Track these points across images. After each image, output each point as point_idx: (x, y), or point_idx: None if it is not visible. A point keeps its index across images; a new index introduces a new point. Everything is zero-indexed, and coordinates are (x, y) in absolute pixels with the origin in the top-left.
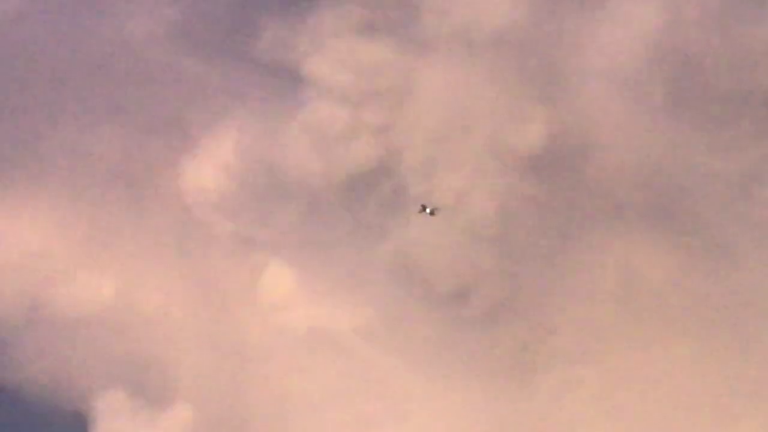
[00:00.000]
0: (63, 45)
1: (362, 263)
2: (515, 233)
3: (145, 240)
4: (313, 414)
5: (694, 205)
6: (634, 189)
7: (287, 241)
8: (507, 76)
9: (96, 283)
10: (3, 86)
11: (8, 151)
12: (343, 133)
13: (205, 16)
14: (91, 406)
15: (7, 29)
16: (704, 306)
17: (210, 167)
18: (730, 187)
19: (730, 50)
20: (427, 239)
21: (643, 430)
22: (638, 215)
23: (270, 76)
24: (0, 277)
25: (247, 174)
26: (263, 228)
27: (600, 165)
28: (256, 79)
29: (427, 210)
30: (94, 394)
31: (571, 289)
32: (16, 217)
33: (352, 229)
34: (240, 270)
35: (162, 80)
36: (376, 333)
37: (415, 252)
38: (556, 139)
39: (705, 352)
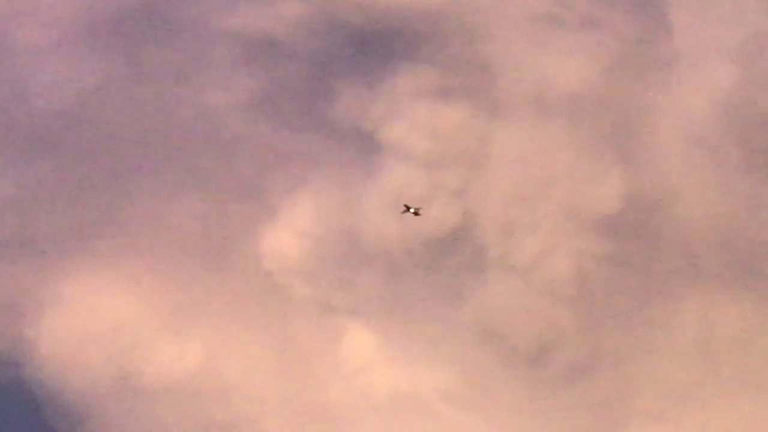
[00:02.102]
0: (144, 115)
1: (442, 325)
2: (594, 292)
3: (228, 307)
4: None
5: None
6: (711, 246)
7: (367, 305)
8: (582, 137)
9: (180, 351)
10: (86, 157)
11: (93, 221)
12: (420, 197)
13: (282, 84)
14: None
15: (89, 100)
16: None
17: (290, 233)
18: None
19: None
20: (506, 300)
21: None
22: (716, 272)
23: (347, 142)
24: (88, 347)
25: (326, 239)
26: (343, 292)
27: (676, 223)
28: (333, 145)
29: (411, 210)
30: None
31: (650, 346)
32: (102, 287)
33: (432, 291)
34: (321, 334)
35: (241, 148)
36: (458, 394)
37: (495, 313)
38: (632, 199)
39: None
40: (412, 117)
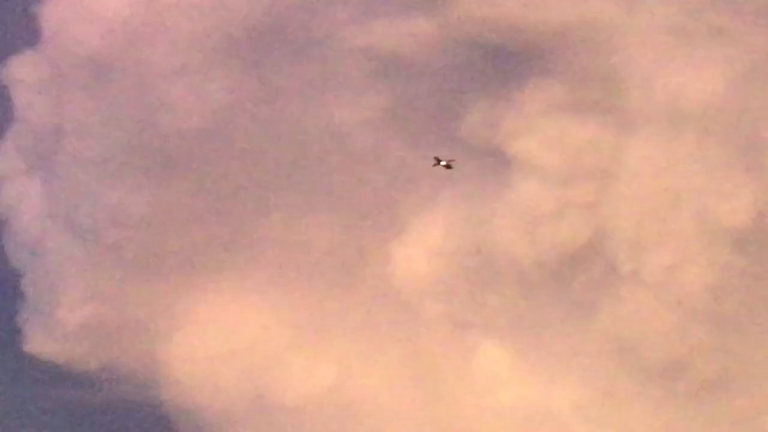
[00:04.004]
0: (274, 133)
1: (574, 341)
2: (727, 307)
3: (359, 324)
4: None
5: None
6: None
7: (499, 321)
8: (714, 150)
9: (312, 369)
10: (217, 176)
11: (224, 240)
12: (551, 212)
13: (412, 101)
14: None
15: (219, 119)
16: None
17: (420, 250)
18: None
19: None
20: (638, 315)
21: None
22: None
23: (477, 157)
24: (220, 366)
25: (456, 256)
26: (475, 309)
27: None
28: (463, 161)
29: (442, 163)
30: None
31: None
32: (233, 306)
33: (563, 307)
34: (453, 351)
35: (371, 165)
36: (590, 409)
37: (627, 328)
38: (765, 211)
39: None
40: (542, 132)
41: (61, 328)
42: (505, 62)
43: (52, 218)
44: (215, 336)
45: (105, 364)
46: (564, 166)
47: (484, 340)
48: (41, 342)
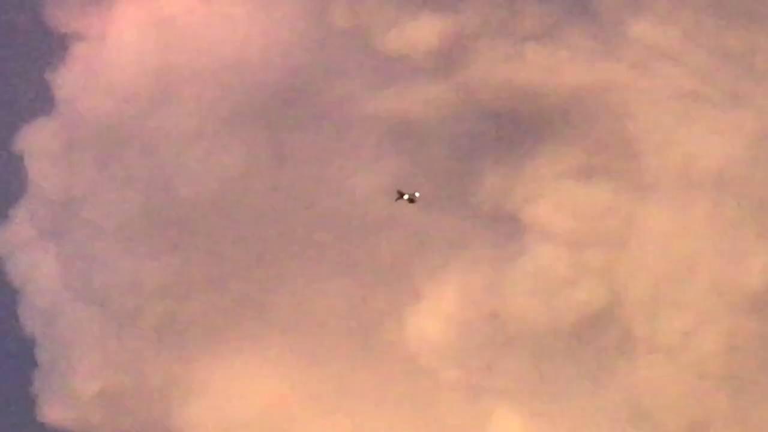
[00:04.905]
0: (288, 200)
1: (590, 406)
2: (744, 371)
3: (375, 391)
4: None
5: None
6: None
7: (514, 387)
8: (728, 215)
9: None
10: (231, 243)
11: (238, 307)
12: (566, 277)
13: (425, 167)
14: None
15: (233, 186)
16: None
17: (434, 316)
18: None
19: None
20: (654, 381)
21: None
22: None
23: (491, 223)
24: None
25: (471, 321)
26: (490, 375)
27: None
28: (477, 227)
29: (405, 196)
30: None
31: None
32: (249, 373)
33: (579, 372)
34: (468, 417)
35: (385, 232)
36: None
37: (643, 394)
38: None
39: None
40: (555, 197)
41: (77, 396)
42: (518, 128)
43: (66, 286)
44: (231, 403)
45: None
46: (578, 231)
47: (499, 405)
48: (56, 411)
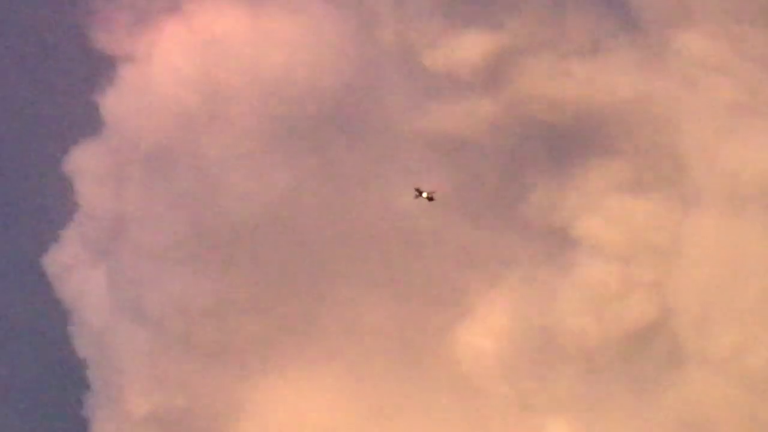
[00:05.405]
0: (337, 219)
1: (641, 420)
2: None
3: (426, 407)
4: None
5: None
6: None
7: (566, 402)
8: None
9: None
10: (280, 263)
11: (289, 327)
12: (616, 291)
13: (473, 182)
14: None
15: (281, 207)
16: None
17: (486, 332)
18: None
19: None
20: (705, 393)
21: None
22: None
23: (540, 238)
24: None
25: (522, 337)
26: (542, 390)
27: None
28: (527, 242)
29: (424, 194)
30: None
31: None
32: (300, 393)
33: (629, 386)
34: None
35: (434, 249)
36: None
37: (694, 406)
38: None
39: None
40: (604, 211)
41: (128, 417)
42: (566, 142)
43: (117, 308)
44: (282, 422)
45: None
46: (628, 244)
47: (550, 421)
48: None
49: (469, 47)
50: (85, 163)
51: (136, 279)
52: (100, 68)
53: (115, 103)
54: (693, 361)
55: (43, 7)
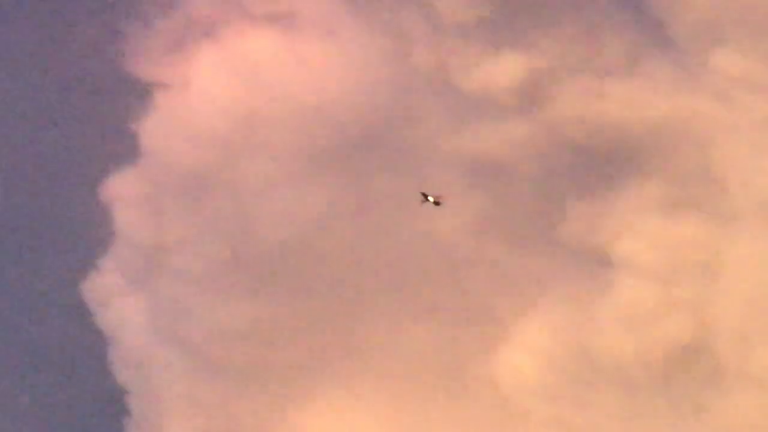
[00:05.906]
0: (372, 242)
1: None
2: None
3: (465, 429)
4: None
5: None
6: None
7: (606, 422)
8: None
9: None
10: (316, 287)
11: (325, 351)
12: (654, 311)
13: (509, 204)
14: None
15: (317, 230)
16: None
17: (524, 354)
18: None
19: None
20: (746, 412)
21: None
22: None
23: (578, 259)
24: None
25: (561, 358)
26: (581, 410)
27: None
28: (564, 263)
29: (430, 199)
30: None
31: None
32: (338, 416)
33: (670, 406)
34: None
35: (471, 271)
36: None
37: (735, 426)
38: None
39: None
40: (642, 231)
41: None
42: (602, 162)
43: (156, 334)
44: None
45: None
46: (666, 264)
47: None
48: None
49: (504, 69)
50: (123, 191)
51: (174, 305)
52: (137, 95)
53: (152, 130)
54: (733, 380)
55: (80, 35)
